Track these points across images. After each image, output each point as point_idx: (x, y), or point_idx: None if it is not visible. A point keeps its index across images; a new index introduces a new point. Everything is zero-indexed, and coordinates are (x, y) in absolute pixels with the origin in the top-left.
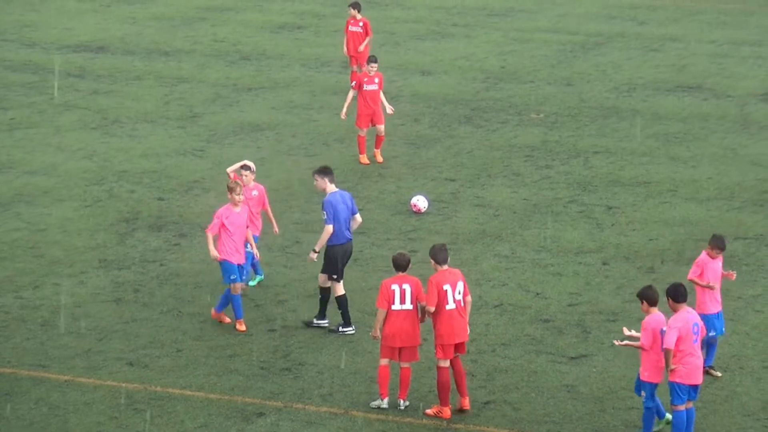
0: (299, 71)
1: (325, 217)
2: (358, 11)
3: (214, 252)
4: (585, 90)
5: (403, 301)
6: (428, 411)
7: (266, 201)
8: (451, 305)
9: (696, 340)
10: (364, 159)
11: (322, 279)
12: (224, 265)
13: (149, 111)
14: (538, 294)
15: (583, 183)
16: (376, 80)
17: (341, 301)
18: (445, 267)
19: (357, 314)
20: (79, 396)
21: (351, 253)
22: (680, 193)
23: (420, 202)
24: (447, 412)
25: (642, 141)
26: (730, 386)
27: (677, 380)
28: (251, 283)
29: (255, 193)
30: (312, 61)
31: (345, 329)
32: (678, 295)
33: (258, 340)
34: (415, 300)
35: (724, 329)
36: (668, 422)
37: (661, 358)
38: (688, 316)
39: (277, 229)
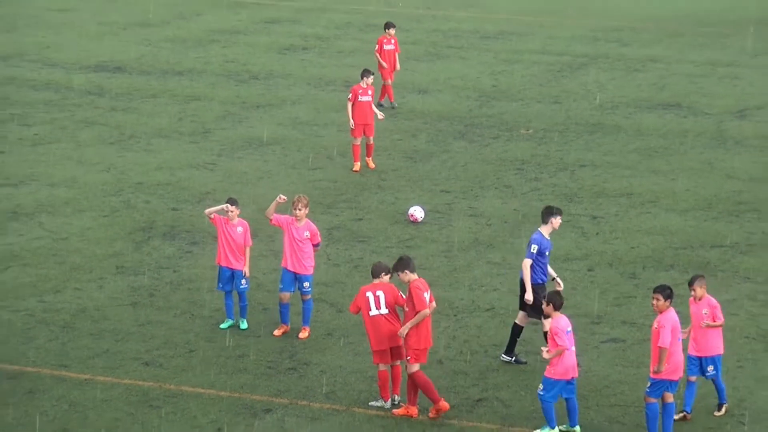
0: (304, 90)
1: None
2: (394, 30)
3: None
4: (571, 107)
5: (378, 306)
6: (430, 414)
7: (249, 238)
8: (427, 311)
9: (680, 338)
10: (357, 167)
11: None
12: (282, 273)
13: (164, 127)
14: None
15: (570, 194)
16: (370, 92)
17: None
18: (414, 276)
19: (358, 317)
20: (98, 393)
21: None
22: (660, 204)
23: (417, 212)
24: (443, 405)
25: (625, 155)
26: (707, 384)
27: (662, 377)
28: (222, 326)
29: (240, 229)
30: (316, 80)
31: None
32: (666, 296)
33: (265, 341)
34: (391, 305)
35: (690, 374)
36: None
37: (571, 356)
38: (675, 315)
39: (248, 271)
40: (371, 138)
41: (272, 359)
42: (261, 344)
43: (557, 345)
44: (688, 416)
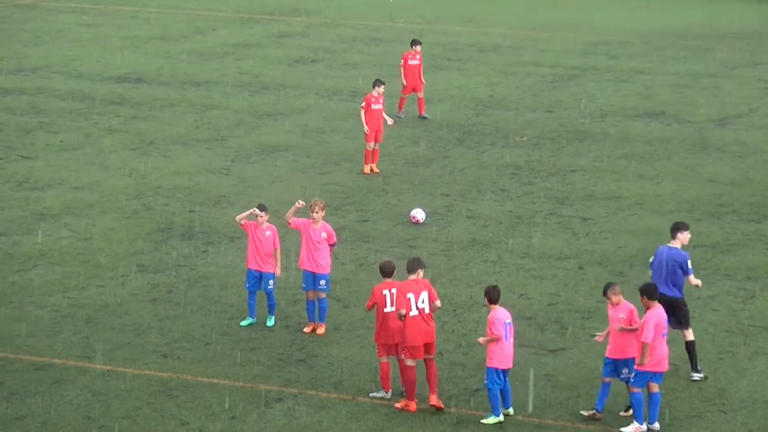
0: (313, 99)
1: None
2: (420, 47)
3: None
4: (563, 116)
5: (392, 303)
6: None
7: (277, 241)
8: (414, 312)
9: (665, 333)
10: (367, 169)
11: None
12: (302, 274)
13: (181, 134)
14: (521, 295)
15: (561, 197)
16: (381, 101)
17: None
18: (413, 277)
19: (363, 311)
20: (120, 384)
21: (674, 308)
22: (646, 207)
23: (418, 214)
24: (413, 405)
25: (613, 161)
26: (690, 375)
27: (646, 369)
28: (242, 323)
29: (268, 233)
30: (324, 90)
31: (693, 374)
32: (650, 293)
33: (277, 335)
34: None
35: (605, 375)
36: (507, 414)
37: (507, 347)
38: (660, 312)
39: (279, 271)
40: (378, 144)
41: (283, 352)
42: (272, 338)
43: (493, 333)
44: (599, 415)
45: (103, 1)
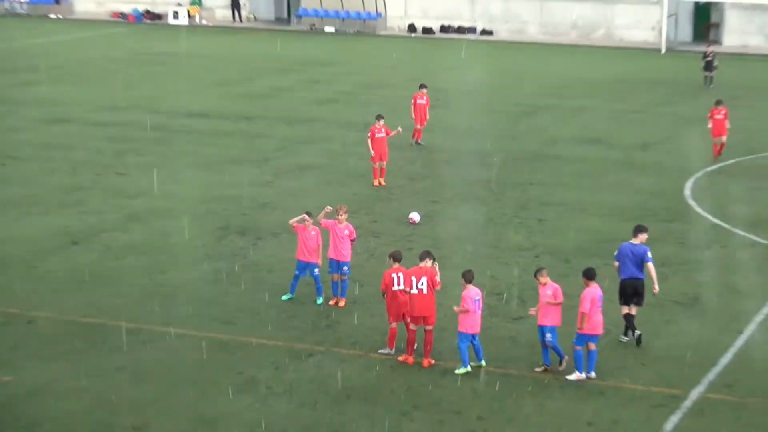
0: (335, 131)
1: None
2: (426, 90)
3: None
4: (524, 142)
5: (399, 284)
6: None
7: (320, 239)
8: (414, 290)
9: (600, 306)
10: (375, 182)
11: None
12: (329, 261)
13: (236, 156)
14: (492, 276)
15: (523, 204)
16: (383, 131)
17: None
18: (421, 264)
19: (375, 290)
20: (191, 344)
21: (641, 289)
22: (588, 211)
23: (415, 216)
24: (411, 359)
25: (562, 176)
26: (616, 339)
27: (585, 332)
28: (283, 298)
29: (313, 233)
30: (344, 124)
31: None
32: (589, 275)
33: (309, 307)
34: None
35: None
36: (480, 365)
37: (474, 317)
38: (596, 290)
39: (321, 262)
40: (384, 163)
41: (313, 319)
42: (306, 309)
43: (464, 307)
44: (549, 368)
45: (175, 55)
